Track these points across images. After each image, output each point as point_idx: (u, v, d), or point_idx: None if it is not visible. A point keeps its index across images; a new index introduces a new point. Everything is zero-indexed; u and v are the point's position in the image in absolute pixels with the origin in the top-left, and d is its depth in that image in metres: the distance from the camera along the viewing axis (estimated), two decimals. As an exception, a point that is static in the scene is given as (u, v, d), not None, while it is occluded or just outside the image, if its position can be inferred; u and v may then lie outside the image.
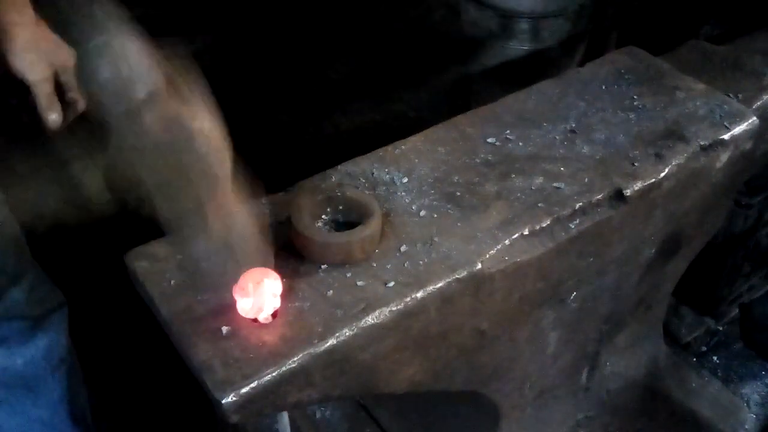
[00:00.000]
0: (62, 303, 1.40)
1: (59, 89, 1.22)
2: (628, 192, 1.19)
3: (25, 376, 1.35)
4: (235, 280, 0.96)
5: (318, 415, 1.69)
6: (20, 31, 1.18)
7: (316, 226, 1.06)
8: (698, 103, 1.34)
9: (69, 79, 1.23)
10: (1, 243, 1.26)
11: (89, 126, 0.98)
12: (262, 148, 2.52)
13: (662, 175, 1.22)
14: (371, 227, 1.05)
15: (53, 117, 1.22)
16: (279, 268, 0.99)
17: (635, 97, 1.35)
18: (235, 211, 1.00)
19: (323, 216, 1.09)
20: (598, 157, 1.24)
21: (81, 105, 1.26)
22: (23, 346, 1.33)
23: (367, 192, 1.14)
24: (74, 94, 1.24)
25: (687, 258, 1.51)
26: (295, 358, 0.93)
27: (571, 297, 1.27)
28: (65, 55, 1.22)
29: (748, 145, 1.33)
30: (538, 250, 1.12)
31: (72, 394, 1.43)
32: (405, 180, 1.18)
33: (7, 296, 1.28)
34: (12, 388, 1.35)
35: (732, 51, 1.53)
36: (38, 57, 1.19)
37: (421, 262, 1.06)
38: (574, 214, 1.16)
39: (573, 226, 1.16)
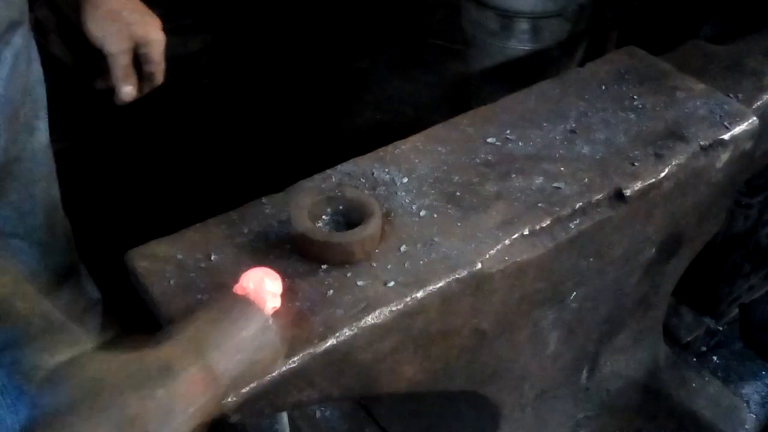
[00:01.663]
0: (98, 300, 1.39)
1: (137, 60, 1.17)
2: (628, 192, 1.19)
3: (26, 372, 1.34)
4: (236, 280, 0.95)
5: (318, 415, 1.69)
6: None
7: (316, 226, 1.06)
8: (698, 103, 1.34)
9: (150, 52, 1.17)
10: (55, 242, 1.25)
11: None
12: (262, 148, 2.53)
13: (662, 175, 1.22)
14: (371, 227, 1.05)
15: (127, 90, 1.17)
16: (279, 268, 0.99)
17: (635, 97, 1.35)
18: None
19: (323, 216, 1.09)
20: (598, 157, 1.24)
21: (158, 79, 1.20)
22: None
23: (367, 192, 1.14)
24: (153, 67, 1.19)
25: (687, 258, 1.51)
26: (295, 358, 0.93)
27: (571, 297, 1.27)
28: (149, 27, 1.17)
29: (748, 145, 1.33)
30: (538, 250, 1.13)
31: None
32: (405, 180, 1.18)
33: (57, 295, 1.27)
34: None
35: (732, 51, 1.52)
36: (119, 27, 1.13)
37: (421, 262, 1.06)
38: (574, 214, 1.16)
39: (573, 226, 1.16)
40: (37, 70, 1.16)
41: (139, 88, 1.20)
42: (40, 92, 1.17)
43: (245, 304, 0.84)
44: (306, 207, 1.06)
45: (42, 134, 1.19)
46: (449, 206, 1.14)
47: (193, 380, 0.75)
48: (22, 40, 1.09)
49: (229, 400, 0.89)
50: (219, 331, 0.80)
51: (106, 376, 0.72)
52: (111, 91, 1.20)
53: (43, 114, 1.19)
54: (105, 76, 1.19)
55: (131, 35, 1.15)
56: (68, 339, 0.77)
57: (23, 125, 1.14)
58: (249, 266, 0.97)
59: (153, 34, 1.17)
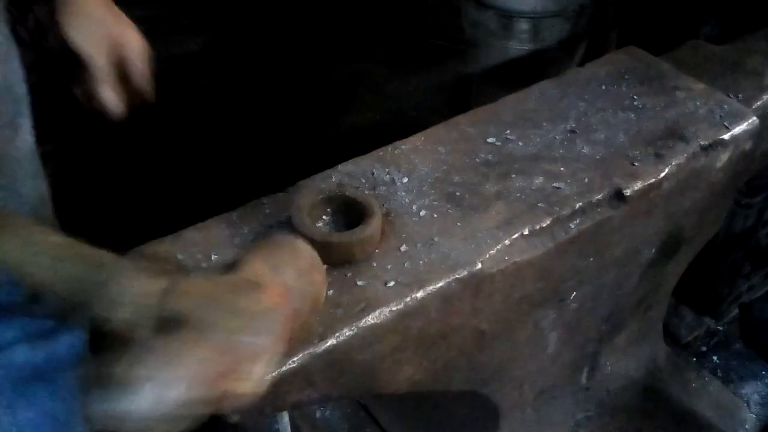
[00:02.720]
0: None
1: (121, 75, 1.11)
2: (628, 192, 1.19)
3: (45, 371, 1.34)
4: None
5: (318, 415, 1.69)
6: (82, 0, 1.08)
7: (316, 226, 1.06)
8: (698, 103, 1.34)
9: (132, 63, 1.11)
10: None
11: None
12: (262, 148, 2.53)
13: (662, 175, 1.22)
14: (371, 227, 1.05)
15: (109, 96, 1.09)
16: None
17: (635, 97, 1.35)
18: None
19: (323, 216, 1.09)
20: (598, 157, 1.24)
21: (146, 91, 1.14)
22: (47, 341, 1.31)
23: (367, 192, 1.14)
24: (139, 80, 1.12)
25: (687, 258, 1.51)
26: (295, 358, 0.93)
27: (571, 297, 1.27)
28: (132, 36, 1.12)
29: (748, 145, 1.33)
30: (538, 250, 1.13)
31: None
32: (405, 180, 1.18)
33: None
34: (31, 382, 1.34)
35: (732, 51, 1.53)
36: (97, 28, 1.09)
37: (421, 262, 1.06)
38: (574, 214, 1.16)
39: (573, 226, 1.16)
40: (16, 67, 1.15)
41: (128, 104, 1.14)
42: (21, 90, 1.16)
43: (293, 240, 0.92)
44: (306, 207, 1.06)
45: (25, 132, 1.18)
46: (449, 206, 1.14)
47: (277, 292, 0.82)
48: None
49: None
50: (281, 258, 0.88)
51: (203, 300, 0.78)
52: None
53: (26, 111, 1.18)
54: (85, 86, 1.13)
55: (114, 44, 1.11)
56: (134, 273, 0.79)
57: (6, 123, 1.14)
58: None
59: (134, 42, 1.13)
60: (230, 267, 0.86)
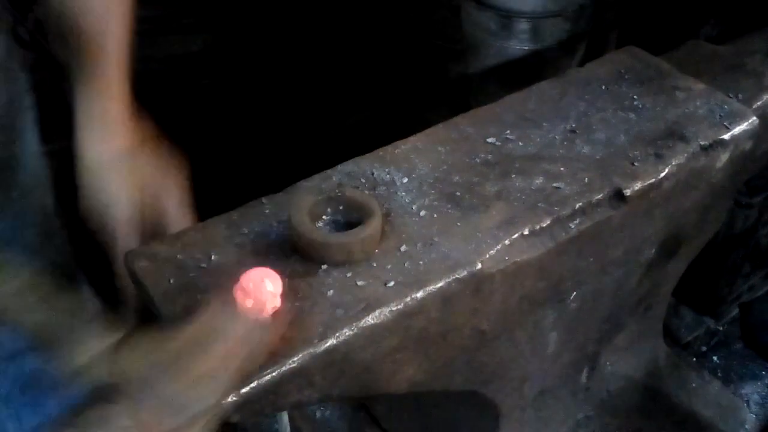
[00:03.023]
0: (98, 311, 1.39)
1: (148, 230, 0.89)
2: (628, 192, 1.19)
3: (57, 379, 1.34)
4: (235, 280, 0.95)
5: (318, 415, 1.69)
6: (112, 138, 0.87)
7: (316, 226, 1.06)
8: (698, 103, 1.34)
9: (168, 227, 0.90)
10: (52, 251, 1.25)
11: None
12: (262, 148, 2.53)
13: (662, 175, 1.22)
14: (371, 227, 1.05)
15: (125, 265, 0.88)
16: (279, 268, 0.99)
17: (635, 97, 1.35)
18: None
19: (323, 216, 1.09)
20: (598, 157, 1.24)
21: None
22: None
23: (367, 192, 1.14)
24: None
25: (687, 258, 1.51)
26: (295, 358, 0.93)
27: (571, 297, 1.27)
28: (172, 184, 0.91)
29: (748, 145, 1.33)
30: (538, 250, 1.12)
31: None
32: (405, 180, 1.18)
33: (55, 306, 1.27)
34: (41, 390, 1.34)
35: (732, 51, 1.52)
36: (124, 160, 0.90)
37: (421, 262, 1.05)
38: (574, 214, 1.16)
39: (573, 226, 1.16)
40: (21, 78, 1.15)
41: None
42: (27, 100, 1.16)
43: (231, 309, 0.89)
44: (306, 207, 1.06)
45: (32, 142, 1.19)
46: (449, 206, 1.14)
47: (221, 353, 0.84)
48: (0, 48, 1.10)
49: (230, 399, 0.89)
50: (222, 323, 0.87)
51: (144, 362, 0.80)
52: None
53: (32, 122, 1.18)
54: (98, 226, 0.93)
55: (146, 190, 0.89)
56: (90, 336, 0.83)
57: (13, 137, 1.14)
58: (249, 266, 0.97)
59: (176, 199, 0.89)
60: (179, 325, 0.86)
